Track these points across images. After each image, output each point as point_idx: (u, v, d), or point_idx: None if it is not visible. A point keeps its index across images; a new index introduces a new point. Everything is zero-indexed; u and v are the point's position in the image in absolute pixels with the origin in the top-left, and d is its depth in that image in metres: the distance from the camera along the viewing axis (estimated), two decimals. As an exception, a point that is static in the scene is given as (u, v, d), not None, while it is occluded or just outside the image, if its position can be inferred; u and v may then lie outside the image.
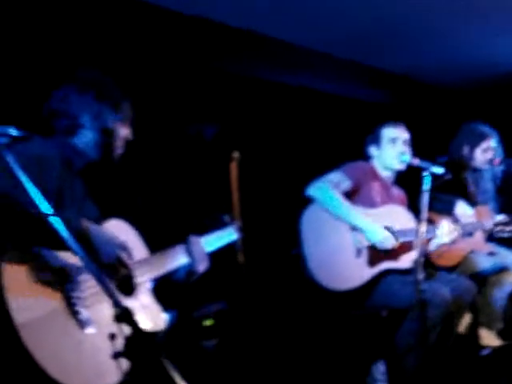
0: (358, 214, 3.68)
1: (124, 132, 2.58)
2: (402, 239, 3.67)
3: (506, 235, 3.96)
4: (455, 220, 3.89)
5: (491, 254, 4.38)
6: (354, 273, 3.64)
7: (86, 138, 2.49)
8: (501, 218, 4.06)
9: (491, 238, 4.34)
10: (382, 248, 3.63)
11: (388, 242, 3.63)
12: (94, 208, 2.52)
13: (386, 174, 4.00)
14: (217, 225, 3.07)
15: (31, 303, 1.91)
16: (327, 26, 4.47)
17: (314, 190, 3.76)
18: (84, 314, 2.05)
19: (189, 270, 2.75)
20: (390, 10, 4.32)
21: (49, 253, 2.03)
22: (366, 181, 3.88)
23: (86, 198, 2.49)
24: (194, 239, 2.81)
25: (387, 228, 3.69)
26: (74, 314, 2.03)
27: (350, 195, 3.82)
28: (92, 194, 2.53)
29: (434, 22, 4.56)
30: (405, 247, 3.67)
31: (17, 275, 1.91)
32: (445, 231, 3.72)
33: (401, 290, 3.50)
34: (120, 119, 2.55)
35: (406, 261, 3.65)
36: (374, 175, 3.95)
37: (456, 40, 4.97)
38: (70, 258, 2.05)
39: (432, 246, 3.74)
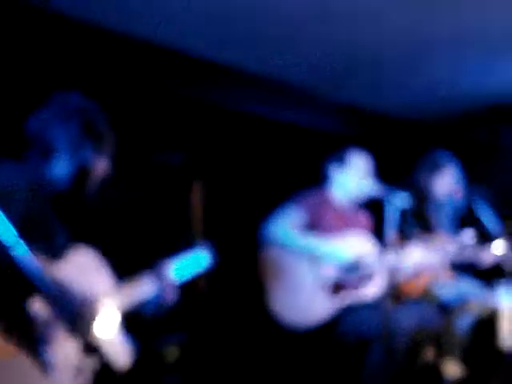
0: (319, 243, 3.66)
1: (101, 168, 2.42)
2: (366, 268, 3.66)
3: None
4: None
5: (455, 282, 4.41)
6: (319, 307, 3.61)
7: (60, 168, 2.34)
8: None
9: (454, 266, 4.38)
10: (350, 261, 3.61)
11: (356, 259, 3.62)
12: (63, 234, 2.39)
13: (343, 200, 3.97)
14: (188, 247, 2.96)
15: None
16: (296, 59, 4.49)
17: (270, 233, 3.73)
18: (47, 355, 1.96)
19: (157, 301, 2.65)
20: (358, 47, 4.35)
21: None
22: (322, 209, 3.85)
23: (57, 226, 2.37)
24: (162, 265, 2.70)
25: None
26: (38, 356, 1.95)
27: (308, 226, 3.79)
28: (62, 221, 2.42)
29: (400, 58, 4.60)
30: (368, 278, 3.67)
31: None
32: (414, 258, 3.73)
33: (369, 319, 3.48)
34: (101, 155, 2.40)
35: (371, 292, 3.64)
36: (328, 202, 3.92)
37: (422, 75, 5.03)
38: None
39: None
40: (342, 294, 3.63)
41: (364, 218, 4.09)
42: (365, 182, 3.82)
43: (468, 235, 4.10)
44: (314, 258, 3.66)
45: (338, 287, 3.65)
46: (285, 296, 3.66)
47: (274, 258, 3.73)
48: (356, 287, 3.67)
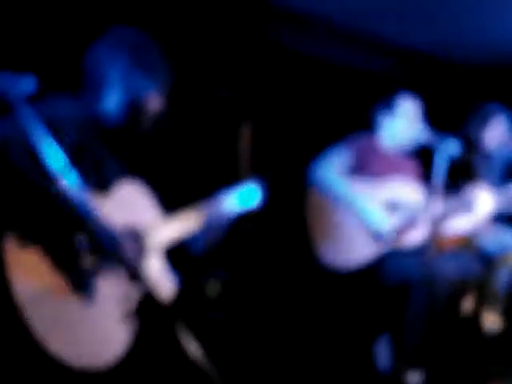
0: (357, 198, 3.64)
1: (155, 105, 2.39)
2: (404, 223, 3.64)
3: None
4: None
5: (497, 233, 4.36)
6: (361, 251, 3.61)
7: (113, 99, 2.32)
8: None
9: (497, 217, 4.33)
10: (381, 238, 3.60)
11: (384, 225, 3.59)
12: (115, 169, 2.39)
13: (392, 146, 3.91)
14: (237, 184, 2.91)
15: (36, 277, 1.88)
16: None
17: (313, 176, 3.73)
18: (90, 283, 2.02)
19: (205, 236, 2.65)
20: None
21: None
22: (370, 154, 3.81)
23: (107, 158, 2.37)
24: (211, 201, 2.68)
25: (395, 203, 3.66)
26: (80, 283, 1.99)
27: (355, 169, 3.77)
28: (113, 155, 2.42)
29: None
30: (411, 225, 3.65)
31: (19, 255, 1.88)
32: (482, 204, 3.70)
33: (410, 265, 3.47)
34: (153, 90, 2.35)
35: (413, 238, 3.61)
36: (379, 147, 3.88)
37: (476, 17, 4.87)
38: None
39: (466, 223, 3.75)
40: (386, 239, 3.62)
41: (412, 165, 4.02)
42: (414, 127, 3.73)
43: None
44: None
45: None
46: (329, 237, 3.66)
47: (319, 199, 3.73)
48: (401, 233, 3.64)
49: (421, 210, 3.62)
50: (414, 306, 3.40)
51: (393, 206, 3.69)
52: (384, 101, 3.93)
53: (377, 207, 3.64)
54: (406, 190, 3.75)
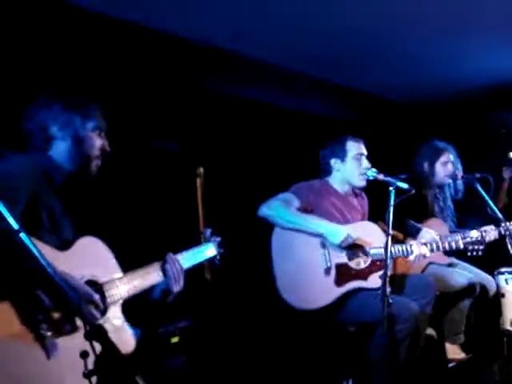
0: (314, 219, 3.65)
1: (98, 142, 2.53)
2: (373, 255, 3.66)
3: (480, 253, 3.98)
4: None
5: (450, 265, 4.44)
6: (322, 292, 3.59)
7: (59, 149, 2.45)
8: (474, 234, 4.07)
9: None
10: (346, 245, 3.61)
11: (349, 239, 3.59)
12: (71, 226, 2.45)
13: (345, 189, 3.96)
14: (195, 240, 3.01)
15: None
16: (296, 44, 4.52)
17: (264, 209, 3.74)
18: (49, 338, 1.99)
19: (164, 289, 2.67)
20: (357, 31, 4.41)
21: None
22: (320, 198, 3.83)
23: (64, 216, 2.42)
24: (170, 257, 2.72)
25: (358, 245, 3.69)
26: (40, 338, 1.97)
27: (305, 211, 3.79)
28: (69, 210, 2.46)
29: (398, 42, 4.69)
30: (375, 266, 3.65)
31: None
32: (417, 252, 3.72)
33: (371, 304, 3.41)
34: (92, 128, 2.50)
35: (374, 281, 3.56)
36: (329, 191, 3.91)
37: (419, 59, 5.11)
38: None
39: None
40: (347, 281, 3.62)
41: (362, 200, 4.10)
42: (368, 170, 3.81)
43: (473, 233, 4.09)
44: (323, 242, 3.66)
45: (344, 274, 3.63)
46: (291, 275, 3.65)
47: (285, 236, 3.72)
48: (362, 277, 3.65)
49: (382, 252, 3.62)
50: (376, 344, 3.40)
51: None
52: (332, 146, 3.98)
53: (335, 224, 3.65)
54: (372, 233, 3.76)
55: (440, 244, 3.89)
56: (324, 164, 3.99)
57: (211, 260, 3.07)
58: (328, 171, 3.98)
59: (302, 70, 5.17)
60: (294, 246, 3.70)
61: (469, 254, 3.96)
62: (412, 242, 3.81)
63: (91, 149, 2.50)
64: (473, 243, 3.92)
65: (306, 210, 3.77)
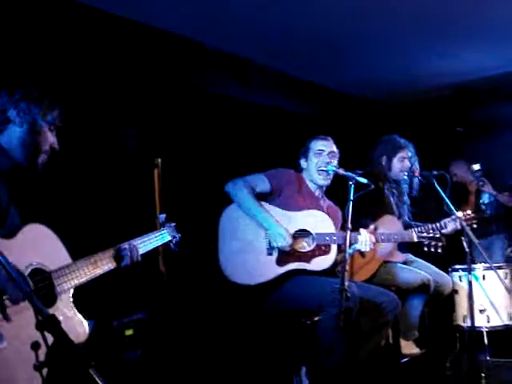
0: (263, 213, 3.72)
1: (51, 138, 2.51)
2: (318, 241, 3.69)
3: (439, 250, 4.01)
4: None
5: (405, 262, 4.47)
6: (262, 270, 3.67)
7: (12, 133, 2.41)
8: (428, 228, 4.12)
9: (404, 247, 4.44)
10: (276, 245, 3.67)
11: (282, 240, 3.65)
12: (17, 214, 2.39)
13: (313, 187, 4.02)
14: (151, 229, 2.97)
15: None
16: (262, 37, 4.51)
17: (229, 186, 3.81)
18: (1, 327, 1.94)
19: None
20: (323, 26, 4.43)
21: None
22: (288, 188, 3.89)
23: (11, 203, 2.36)
24: (130, 242, 2.70)
25: (304, 230, 3.72)
26: None
27: (268, 198, 3.85)
28: (15, 198, 2.39)
29: (362, 38, 4.72)
30: (320, 251, 3.71)
31: None
32: (364, 240, 3.75)
33: (310, 291, 3.54)
34: (48, 122, 2.48)
35: (317, 264, 3.69)
36: (300, 185, 3.97)
37: (383, 57, 5.16)
38: None
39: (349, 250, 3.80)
40: (288, 262, 3.68)
41: (334, 208, 4.11)
42: (326, 164, 3.87)
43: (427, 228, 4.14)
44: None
45: (286, 255, 3.69)
46: (234, 251, 3.73)
47: (234, 214, 3.80)
48: (304, 259, 3.70)
49: (333, 240, 3.68)
50: (324, 327, 3.42)
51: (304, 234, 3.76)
52: (302, 148, 4.07)
53: (276, 221, 3.70)
54: (319, 222, 3.80)
55: (391, 237, 3.96)
56: (296, 163, 4.09)
57: (166, 245, 3.06)
58: (300, 170, 4.07)
59: (267, 63, 5.16)
60: (239, 226, 3.78)
61: (425, 249, 3.99)
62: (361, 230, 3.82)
63: (43, 142, 2.48)
64: (429, 236, 3.97)
65: (273, 193, 3.85)
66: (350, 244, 3.62)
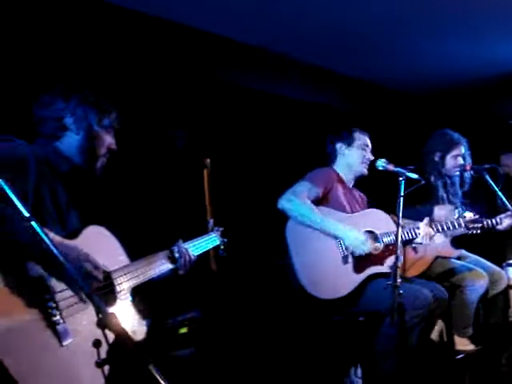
0: (330, 222, 3.68)
1: (108, 140, 2.53)
2: (386, 241, 3.70)
3: (478, 231, 3.98)
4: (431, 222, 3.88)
5: (459, 258, 4.42)
6: (342, 281, 3.63)
7: (70, 140, 2.43)
8: (470, 214, 4.06)
9: (458, 243, 4.39)
10: (359, 253, 3.62)
11: (364, 246, 3.62)
12: (76, 216, 2.45)
13: (349, 177, 4.04)
14: (202, 230, 3.03)
15: (7, 318, 1.83)
16: (298, 32, 4.49)
17: (284, 204, 3.73)
18: (62, 325, 1.98)
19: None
20: (359, 19, 4.38)
21: (27, 264, 1.96)
22: (334, 187, 3.89)
23: (70, 205, 2.42)
24: (182, 246, 2.76)
25: (369, 231, 3.71)
26: (52, 325, 1.95)
27: (319, 202, 3.81)
28: (75, 201, 2.46)
29: (401, 31, 4.66)
30: (390, 250, 3.69)
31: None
32: (424, 233, 3.73)
33: (382, 294, 3.46)
34: (105, 126, 2.50)
35: (390, 264, 3.55)
36: (338, 179, 3.98)
37: (422, 49, 5.08)
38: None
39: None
40: (365, 268, 3.65)
41: (362, 195, 4.18)
42: (368, 158, 3.92)
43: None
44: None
45: (361, 261, 3.66)
46: (310, 266, 3.66)
47: (299, 227, 3.72)
48: (378, 262, 3.69)
49: (392, 237, 3.66)
50: (385, 334, 3.41)
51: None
52: (341, 134, 4.04)
53: (349, 227, 3.67)
54: (380, 220, 3.81)
55: (444, 225, 3.90)
56: (330, 148, 4.08)
57: (215, 249, 3.13)
58: (333, 155, 4.06)
59: (311, 61, 5.15)
60: (309, 237, 3.71)
61: (469, 232, 3.96)
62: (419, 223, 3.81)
63: (101, 146, 2.49)
64: (473, 221, 3.94)
65: (323, 197, 3.82)
66: (412, 239, 3.64)
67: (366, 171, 3.97)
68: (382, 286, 3.48)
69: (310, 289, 3.60)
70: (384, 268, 3.67)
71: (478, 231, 3.97)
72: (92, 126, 2.44)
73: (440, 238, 4.14)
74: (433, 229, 3.80)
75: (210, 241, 3.07)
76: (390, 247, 3.69)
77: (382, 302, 3.40)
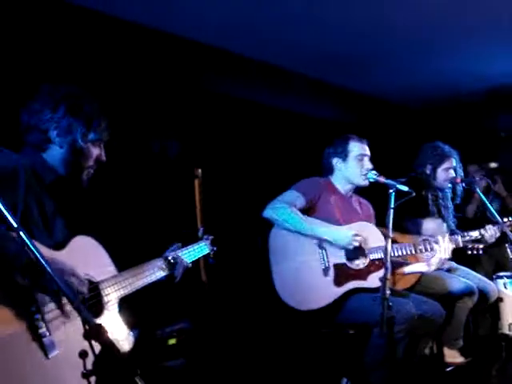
0: (318, 225, 3.66)
1: (96, 152, 2.46)
2: (373, 257, 3.68)
3: (480, 252, 3.98)
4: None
5: (449, 270, 4.42)
6: (321, 292, 3.60)
7: (54, 153, 2.37)
8: (473, 234, 4.08)
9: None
10: (352, 246, 3.61)
11: (355, 241, 3.61)
12: (63, 226, 2.41)
13: (346, 188, 3.98)
14: (192, 239, 3.02)
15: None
16: (297, 45, 4.51)
17: (270, 212, 3.73)
18: (48, 337, 1.96)
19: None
20: (358, 33, 4.42)
21: (13, 276, 1.93)
22: (323, 197, 3.85)
23: (56, 215, 2.38)
24: (177, 251, 2.77)
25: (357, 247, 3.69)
26: (38, 338, 1.93)
27: (308, 212, 3.79)
28: (61, 211, 2.41)
29: (399, 45, 4.70)
30: (374, 266, 3.66)
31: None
32: (443, 245, 3.76)
33: (370, 306, 3.43)
34: (91, 140, 2.42)
35: (373, 280, 3.60)
36: (332, 189, 3.94)
37: (419, 62, 5.11)
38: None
39: (433, 263, 3.85)
40: (346, 281, 3.62)
41: (366, 206, 4.11)
42: (369, 171, 3.83)
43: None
44: (321, 243, 3.66)
45: (342, 274, 3.64)
46: (289, 276, 3.66)
47: (282, 237, 3.73)
48: (361, 277, 3.66)
49: (383, 252, 3.64)
50: (374, 345, 3.39)
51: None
52: (336, 145, 4.00)
53: (339, 228, 3.67)
54: (370, 234, 3.77)
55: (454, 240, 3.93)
56: (326, 163, 4.02)
57: (205, 257, 3.11)
58: (330, 170, 4.01)
59: (304, 71, 5.17)
60: (292, 246, 3.70)
61: (469, 252, 3.96)
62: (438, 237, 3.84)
63: (86, 160, 2.42)
64: (472, 241, 3.94)
65: (310, 207, 3.79)
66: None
67: (366, 183, 3.88)
68: (363, 301, 3.54)
69: (286, 299, 3.61)
70: (366, 283, 3.63)
71: (480, 252, 3.98)
72: (76, 140, 2.37)
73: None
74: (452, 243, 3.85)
75: (200, 249, 3.04)
76: (376, 263, 3.66)
77: (366, 316, 3.43)
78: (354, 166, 3.90)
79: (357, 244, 3.62)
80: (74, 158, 2.39)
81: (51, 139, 2.34)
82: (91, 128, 2.41)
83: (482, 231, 4.06)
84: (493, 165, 4.95)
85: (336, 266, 3.65)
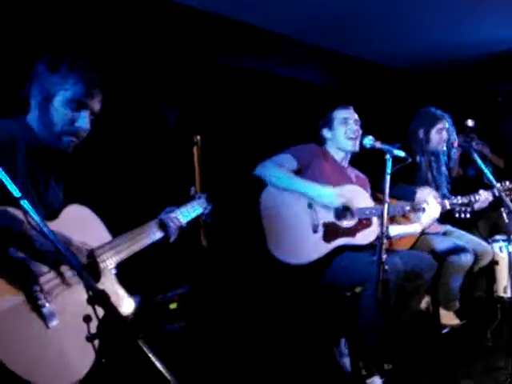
0: (305, 183, 3.75)
1: (68, 117, 2.25)
2: (359, 216, 3.77)
3: (467, 215, 4.02)
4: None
5: (445, 233, 4.47)
6: (311, 248, 3.71)
7: (33, 113, 2.27)
8: (460, 199, 4.11)
9: (443, 219, 4.44)
10: (334, 205, 3.72)
11: (339, 200, 3.71)
12: (58, 194, 2.40)
13: (340, 156, 4.07)
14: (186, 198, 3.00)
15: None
16: (284, 8, 4.44)
17: (259, 169, 3.85)
18: (47, 307, 1.97)
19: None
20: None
21: (9, 249, 1.94)
22: (316, 162, 3.93)
23: (48, 183, 2.35)
24: (170, 212, 2.74)
25: (345, 207, 3.77)
26: (37, 308, 1.95)
27: (297, 174, 3.86)
28: (55, 179, 2.40)
29: (391, 7, 4.60)
30: (363, 224, 3.78)
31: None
32: (432, 204, 3.83)
33: (356, 265, 3.58)
34: (68, 98, 2.23)
35: (362, 238, 3.76)
36: (325, 157, 4.01)
37: (411, 25, 5.06)
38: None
39: (424, 222, 3.91)
40: (335, 238, 3.73)
41: (362, 176, 4.19)
42: (350, 132, 3.94)
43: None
44: (310, 202, 3.76)
45: (331, 232, 3.74)
46: (280, 233, 3.77)
47: (273, 196, 3.83)
48: (349, 234, 3.75)
49: (374, 213, 3.72)
50: (365, 305, 3.45)
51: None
52: (325, 116, 4.11)
53: (325, 185, 3.74)
54: (357, 196, 3.85)
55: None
56: (319, 135, 4.13)
57: (199, 216, 3.04)
58: (323, 141, 4.12)
59: (299, 37, 5.12)
60: (282, 205, 3.80)
61: (456, 215, 4.02)
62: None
63: (57, 124, 2.24)
64: (459, 205, 3.99)
65: (299, 170, 3.87)
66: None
67: (352, 147, 3.96)
68: (351, 258, 3.66)
69: (277, 254, 3.70)
70: (355, 240, 3.75)
71: (467, 215, 4.02)
72: (49, 98, 2.22)
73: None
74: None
75: (194, 209, 2.98)
76: (364, 221, 3.77)
77: (356, 274, 3.54)
78: (338, 130, 4.01)
79: (338, 203, 3.72)
80: (45, 118, 2.24)
81: (30, 99, 2.26)
82: (67, 86, 2.23)
83: (473, 197, 4.10)
84: (470, 123, 4.89)
85: (325, 224, 3.76)
